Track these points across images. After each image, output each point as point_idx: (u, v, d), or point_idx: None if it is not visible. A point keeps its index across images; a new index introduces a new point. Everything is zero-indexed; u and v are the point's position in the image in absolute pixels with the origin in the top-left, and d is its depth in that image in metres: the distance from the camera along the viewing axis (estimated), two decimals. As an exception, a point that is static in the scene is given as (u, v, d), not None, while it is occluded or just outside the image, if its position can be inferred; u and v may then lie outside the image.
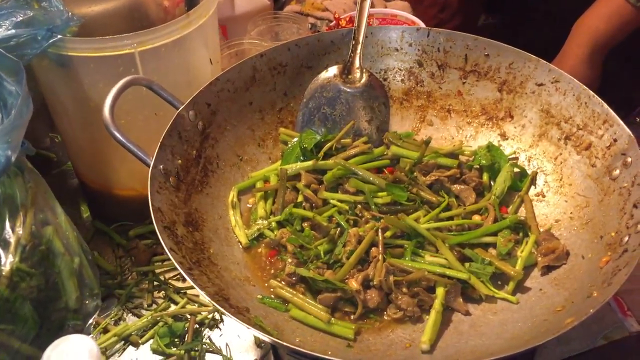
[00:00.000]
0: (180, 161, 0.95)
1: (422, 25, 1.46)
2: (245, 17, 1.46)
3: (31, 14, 0.94)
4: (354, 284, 0.88)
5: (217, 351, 0.99)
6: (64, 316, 0.81)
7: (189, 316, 1.02)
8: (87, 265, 0.86)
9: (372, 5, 1.68)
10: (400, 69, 1.12)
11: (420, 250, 0.93)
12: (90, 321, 0.87)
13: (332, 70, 1.08)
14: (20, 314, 0.75)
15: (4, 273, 0.72)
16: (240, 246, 0.97)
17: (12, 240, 0.73)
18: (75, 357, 0.62)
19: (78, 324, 0.84)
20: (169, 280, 1.08)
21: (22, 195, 0.76)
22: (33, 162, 1.28)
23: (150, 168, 0.88)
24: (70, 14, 0.98)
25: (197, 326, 1.02)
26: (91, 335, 0.87)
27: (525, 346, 0.72)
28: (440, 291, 0.87)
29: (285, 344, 0.76)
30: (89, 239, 1.17)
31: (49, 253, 0.79)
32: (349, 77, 1.07)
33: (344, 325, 0.86)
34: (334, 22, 1.50)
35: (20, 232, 0.74)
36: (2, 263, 0.72)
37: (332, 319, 0.86)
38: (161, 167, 0.90)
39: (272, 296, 0.90)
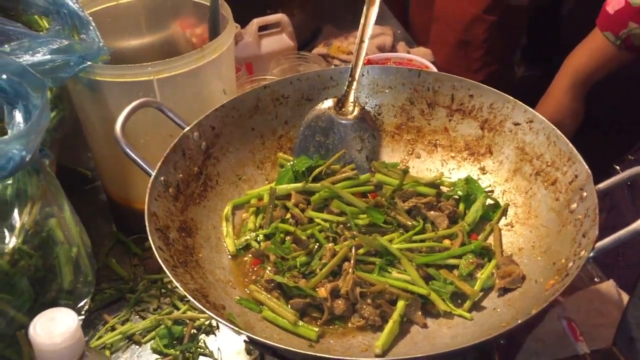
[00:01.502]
0: (181, 175, 1.06)
1: (435, 70, 1.56)
2: (270, 56, 1.59)
3: (67, 43, 1.09)
4: (322, 292, 0.96)
5: (209, 354, 1.09)
6: (58, 295, 0.94)
7: (188, 321, 1.12)
8: (85, 256, 0.99)
9: (395, 50, 1.80)
10: (393, 106, 1.21)
11: (390, 268, 1.00)
12: (82, 304, 0.99)
13: (328, 103, 1.18)
14: (18, 287, 0.88)
15: (6, 250, 0.85)
16: (228, 254, 1.06)
17: (18, 225, 0.87)
18: (57, 324, 0.73)
19: (69, 303, 0.96)
20: (175, 289, 1.18)
21: (33, 191, 0.89)
22: (71, 176, 1.43)
23: (152, 178, 0.99)
24: (102, 44, 1.13)
25: (195, 331, 1.11)
26: (82, 315, 0.99)
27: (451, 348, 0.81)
28: (400, 304, 0.95)
29: (250, 335, 0.85)
30: (110, 247, 1.30)
31: (49, 240, 0.92)
32: (343, 109, 1.17)
33: (308, 328, 0.94)
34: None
35: (26, 219, 0.87)
36: (7, 242, 0.85)
37: (300, 321, 0.95)
38: (162, 178, 1.01)
39: (250, 299, 1.00)
